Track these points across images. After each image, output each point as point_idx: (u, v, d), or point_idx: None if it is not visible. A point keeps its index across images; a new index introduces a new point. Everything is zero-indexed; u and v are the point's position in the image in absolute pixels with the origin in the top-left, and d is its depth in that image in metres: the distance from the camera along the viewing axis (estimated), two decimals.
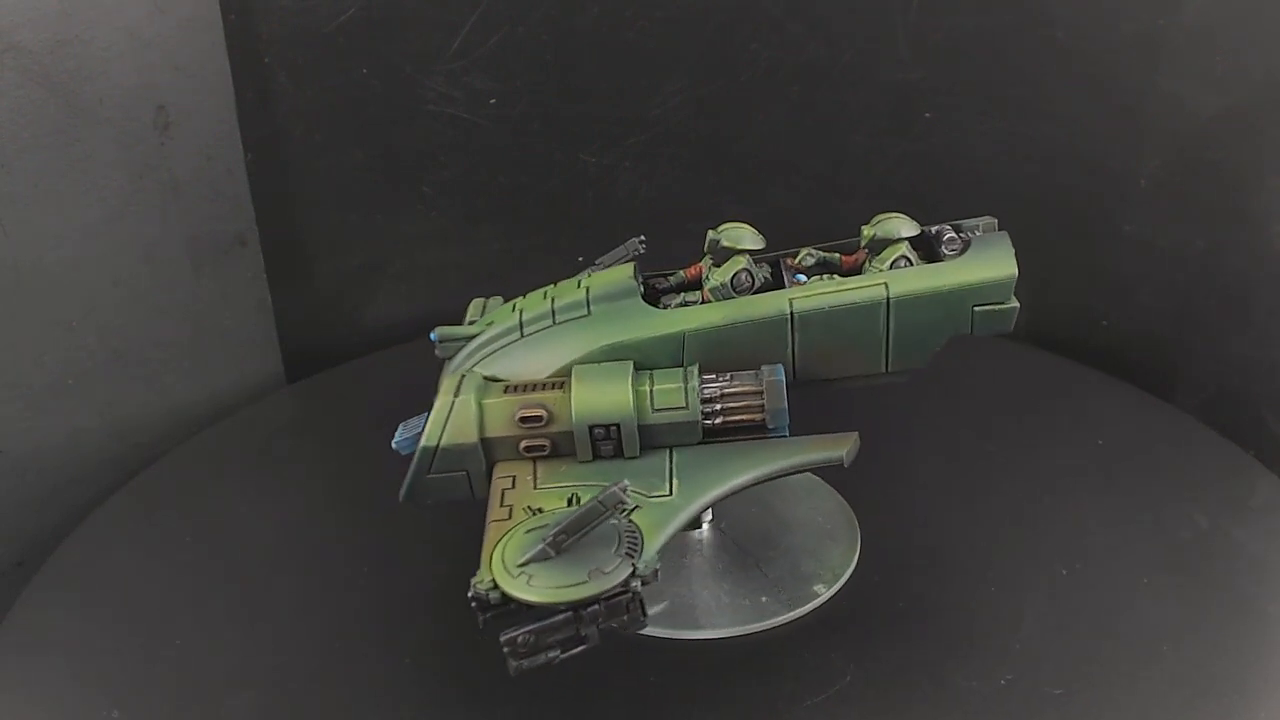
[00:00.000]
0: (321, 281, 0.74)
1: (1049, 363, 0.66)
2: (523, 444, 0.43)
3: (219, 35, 0.63)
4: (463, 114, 0.72)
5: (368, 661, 0.46)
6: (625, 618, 0.36)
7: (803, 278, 0.45)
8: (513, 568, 0.36)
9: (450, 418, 0.43)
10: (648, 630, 0.46)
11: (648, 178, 0.75)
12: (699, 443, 0.42)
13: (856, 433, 0.42)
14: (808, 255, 0.45)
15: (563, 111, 0.73)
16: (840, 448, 0.42)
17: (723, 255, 0.45)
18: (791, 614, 0.47)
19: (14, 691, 0.46)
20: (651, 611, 0.45)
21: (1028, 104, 0.68)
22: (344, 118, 0.70)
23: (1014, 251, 0.43)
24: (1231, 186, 0.63)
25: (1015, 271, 0.42)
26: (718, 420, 0.42)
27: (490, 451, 0.43)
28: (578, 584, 0.35)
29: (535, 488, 0.42)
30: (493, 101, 0.72)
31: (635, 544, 0.37)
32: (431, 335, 0.47)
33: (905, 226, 0.43)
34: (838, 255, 0.45)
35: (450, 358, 0.47)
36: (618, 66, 0.72)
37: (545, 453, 0.43)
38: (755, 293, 0.44)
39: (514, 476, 0.42)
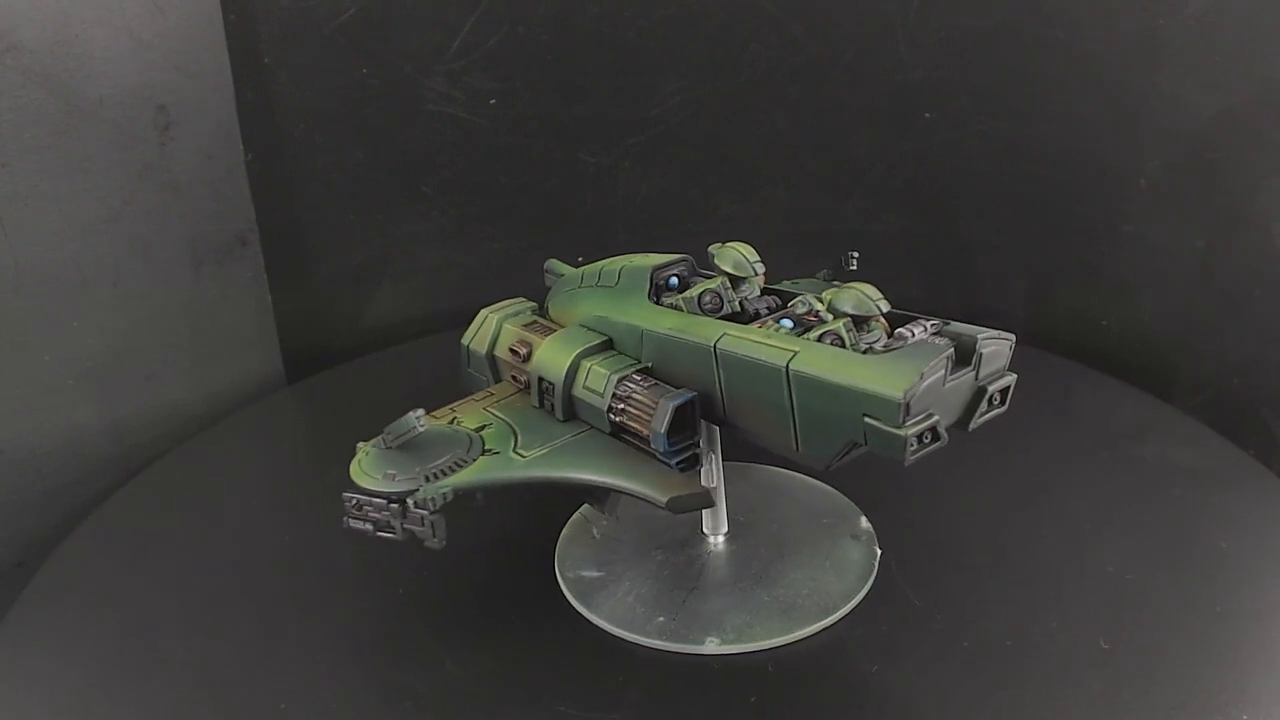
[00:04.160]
0: (321, 281, 0.74)
1: (1049, 363, 0.66)
2: (512, 372, 0.47)
3: (219, 35, 0.63)
4: (463, 114, 0.72)
5: (367, 659, 0.46)
6: (419, 529, 0.39)
7: (788, 323, 0.42)
8: (367, 445, 0.42)
9: (479, 328, 0.49)
10: (560, 580, 0.49)
11: (648, 178, 0.75)
12: (609, 432, 0.43)
13: (710, 489, 0.42)
14: (800, 302, 0.42)
15: (563, 111, 0.73)
16: (668, 492, 0.40)
17: (717, 271, 0.45)
18: (658, 644, 0.45)
19: (14, 690, 0.46)
20: (586, 573, 0.49)
21: (1028, 104, 0.68)
22: (344, 118, 0.70)
23: (921, 378, 0.35)
24: (1231, 186, 0.63)
25: (899, 397, 0.35)
26: (619, 419, 0.43)
27: (495, 368, 0.48)
28: (371, 476, 0.40)
29: (485, 408, 0.46)
30: (493, 101, 0.72)
31: (445, 474, 0.40)
32: (546, 264, 0.54)
33: (856, 302, 0.39)
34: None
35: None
36: (618, 66, 0.72)
37: (523, 386, 0.47)
38: (722, 319, 0.43)
39: (492, 394, 0.47)
